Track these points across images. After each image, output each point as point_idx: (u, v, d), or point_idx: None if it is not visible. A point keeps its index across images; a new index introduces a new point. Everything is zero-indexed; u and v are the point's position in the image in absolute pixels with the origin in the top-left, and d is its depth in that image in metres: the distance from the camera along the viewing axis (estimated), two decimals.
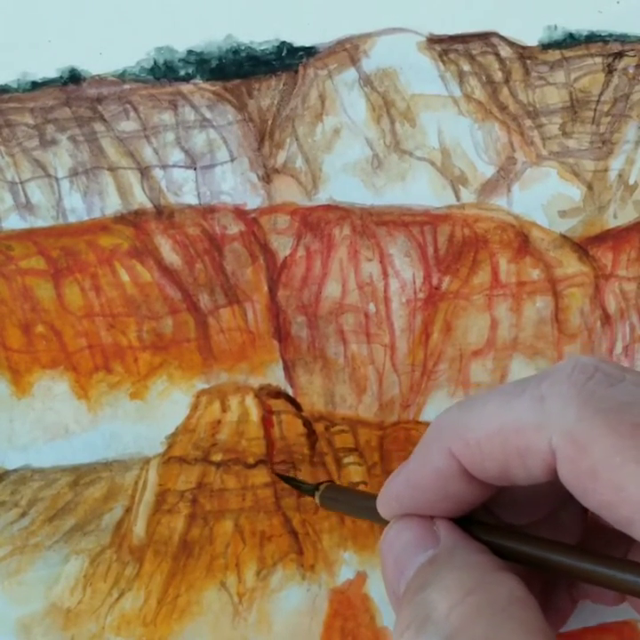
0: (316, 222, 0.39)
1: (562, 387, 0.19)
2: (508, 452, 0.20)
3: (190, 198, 0.39)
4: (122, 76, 0.39)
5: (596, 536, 0.24)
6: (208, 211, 0.39)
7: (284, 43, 0.38)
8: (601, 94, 0.39)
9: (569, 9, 0.38)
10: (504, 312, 0.39)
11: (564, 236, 0.39)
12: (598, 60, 0.38)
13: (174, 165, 0.39)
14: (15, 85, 0.39)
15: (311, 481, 0.38)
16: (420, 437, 0.39)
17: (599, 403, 0.19)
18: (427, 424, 0.39)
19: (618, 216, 0.39)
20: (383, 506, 0.23)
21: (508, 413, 0.20)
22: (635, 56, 0.38)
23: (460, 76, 0.39)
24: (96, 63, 0.38)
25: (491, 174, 0.39)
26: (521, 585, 0.19)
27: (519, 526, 0.24)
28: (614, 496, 0.18)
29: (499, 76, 0.39)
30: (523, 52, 0.38)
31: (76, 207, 0.39)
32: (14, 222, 0.39)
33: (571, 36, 0.38)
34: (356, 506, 0.33)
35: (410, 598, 0.20)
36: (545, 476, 0.20)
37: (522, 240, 0.39)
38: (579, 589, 0.26)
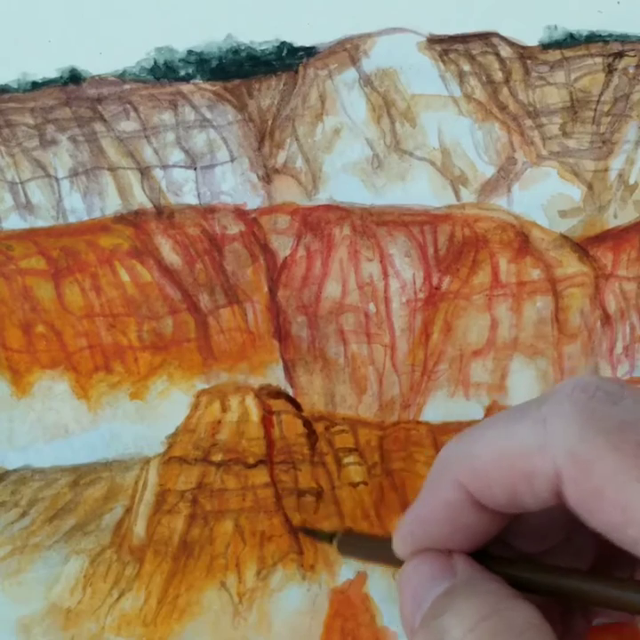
0: (316, 222, 0.39)
1: (563, 407, 0.19)
2: (515, 477, 0.20)
3: (190, 198, 0.39)
4: (122, 76, 0.39)
5: (607, 557, 0.24)
6: (208, 211, 0.39)
7: (284, 43, 0.38)
8: (601, 94, 0.39)
9: (569, 9, 0.38)
10: (504, 312, 0.39)
11: (564, 236, 0.39)
12: (598, 59, 0.38)
13: (174, 165, 0.39)
14: (15, 85, 0.39)
15: (312, 482, 0.38)
16: (420, 437, 0.39)
17: (601, 422, 0.19)
18: (427, 424, 0.39)
19: (618, 216, 0.39)
20: (399, 545, 0.23)
21: (511, 438, 0.20)
22: (635, 56, 0.38)
23: (461, 76, 0.39)
24: (96, 63, 0.38)
25: (491, 174, 0.39)
26: (537, 612, 0.19)
27: (535, 554, 0.24)
28: (619, 516, 0.18)
29: (499, 75, 0.39)
30: (523, 52, 0.38)
31: (76, 207, 0.39)
32: (14, 222, 0.39)
33: (571, 35, 0.38)
34: (374, 551, 0.32)
35: (425, 624, 0.20)
36: (553, 499, 0.20)
37: (522, 240, 0.39)
38: (593, 611, 0.26)
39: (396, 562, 0.28)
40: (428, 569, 0.22)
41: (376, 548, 0.32)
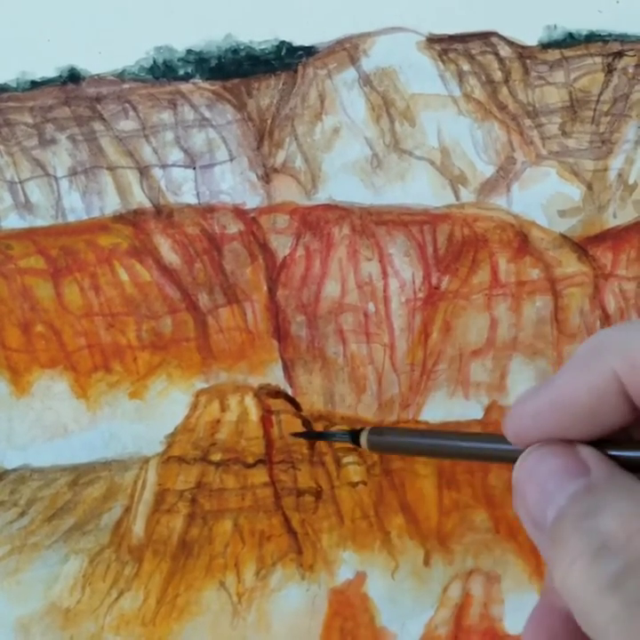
0: (315, 222, 0.39)
1: None
2: None
3: (189, 198, 0.39)
4: (121, 76, 0.38)
5: None
6: (207, 210, 0.39)
7: (283, 42, 0.38)
8: (600, 94, 0.39)
9: (569, 8, 0.38)
10: (503, 312, 0.39)
11: (563, 236, 0.39)
12: (598, 59, 0.38)
13: (173, 165, 0.39)
14: (14, 84, 0.39)
15: (311, 482, 0.38)
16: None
17: None
18: (426, 424, 0.39)
19: (617, 216, 0.39)
20: (514, 425, 0.22)
21: None
22: (634, 56, 0.38)
23: (460, 76, 0.39)
24: (95, 62, 0.38)
25: (490, 174, 0.39)
26: None
27: None
28: None
29: (498, 75, 0.39)
30: (522, 52, 0.38)
31: (76, 206, 0.39)
32: (13, 221, 0.39)
33: (570, 35, 0.38)
34: (410, 443, 0.31)
35: (575, 525, 0.19)
36: None
37: (521, 240, 0.39)
38: None
39: (434, 454, 0.28)
40: (558, 462, 0.21)
41: (412, 439, 0.31)
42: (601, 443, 0.22)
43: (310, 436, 0.38)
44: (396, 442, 0.32)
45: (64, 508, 0.39)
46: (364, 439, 0.31)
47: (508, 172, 0.39)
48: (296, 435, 0.38)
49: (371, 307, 0.39)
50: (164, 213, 0.39)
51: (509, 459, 0.22)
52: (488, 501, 0.39)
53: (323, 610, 0.39)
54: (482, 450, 0.25)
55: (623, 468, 0.21)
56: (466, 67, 0.39)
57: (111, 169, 0.39)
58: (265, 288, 0.39)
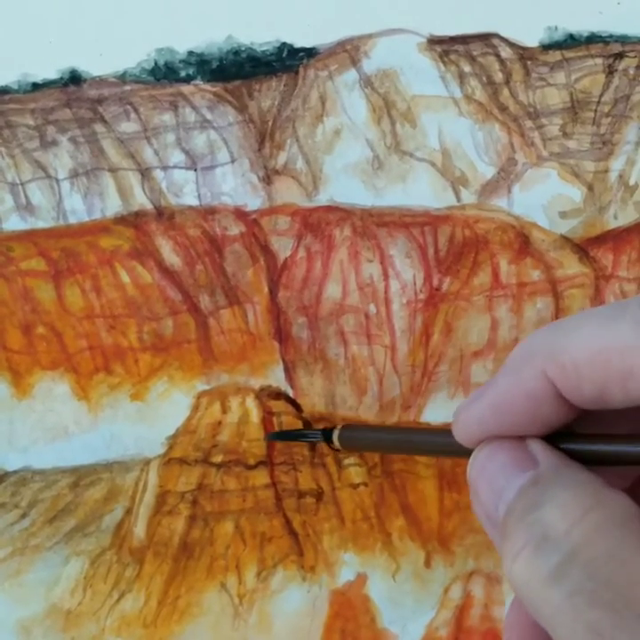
0: (316, 223, 0.39)
1: None
2: (609, 376, 0.20)
3: (191, 199, 0.39)
4: (122, 77, 0.39)
5: None
6: (208, 212, 0.39)
7: (284, 44, 0.38)
8: (601, 95, 0.39)
9: (569, 10, 0.38)
10: (504, 313, 0.39)
11: (564, 237, 0.39)
12: (599, 60, 0.38)
13: (175, 166, 0.39)
14: (16, 86, 0.39)
15: (312, 483, 0.38)
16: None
17: None
18: (427, 425, 0.39)
19: (618, 217, 0.39)
20: (463, 430, 0.23)
21: (609, 335, 0.20)
22: (635, 57, 0.38)
23: (461, 77, 0.39)
24: (96, 64, 0.38)
25: (491, 175, 0.39)
26: (631, 502, 0.19)
27: None
28: None
29: (499, 76, 0.39)
30: (523, 53, 0.38)
31: (77, 208, 0.39)
32: (15, 223, 0.39)
33: (571, 36, 0.38)
34: (379, 440, 0.32)
35: (520, 518, 0.20)
36: None
37: (522, 241, 0.39)
38: None
39: (402, 450, 0.28)
40: (506, 456, 0.21)
41: (380, 437, 0.32)
42: (555, 436, 0.22)
43: (283, 436, 0.38)
44: (366, 438, 0.32)
45: (65, 509, 0.39)
46: (335, 437, 0.32)
47: (509, 174, 0.39)
48: (270, 437, 0.38)
49: (372, 308, 0.39)
50: (165, 215, 0.39)
51: (469, 453, 0.23)
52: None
53: (324, 611, 0.39)
54: (446, 445, 0.25)
55: (574, 460, 0.21)
56: (467, 68, 0.39)
57: (112, 171, 0.39)
58: (266, 290, 0.39)
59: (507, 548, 0.19)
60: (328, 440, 0.33)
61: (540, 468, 0.21)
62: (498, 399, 0.22)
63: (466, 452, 0.23)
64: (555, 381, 0.21)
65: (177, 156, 0.39)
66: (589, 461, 0.21)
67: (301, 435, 0.37)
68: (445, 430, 0.25)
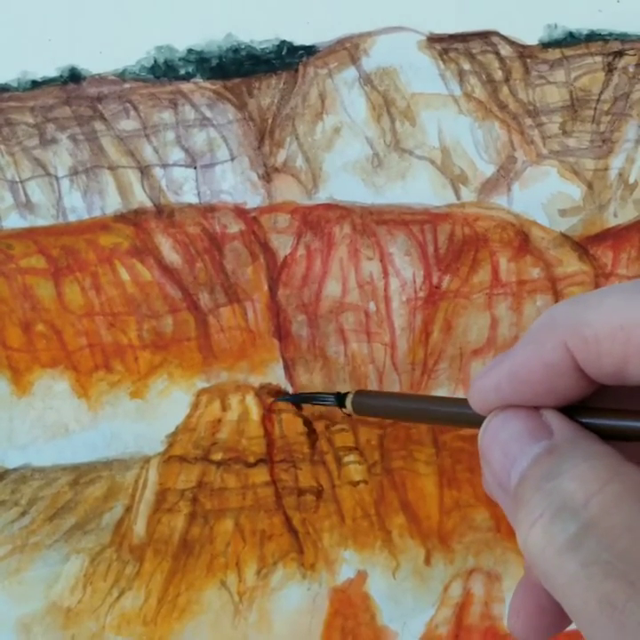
0: (316, 221, 0.39)
1: None
2: (629, 349, 0.20)
3: (190, 197, 0.39)
4: (122, 75, 0.39)
5: None
6: (208, 209, 0.39)
7: (284, 41, 0.38)
8: (601, 93, 0.39)
9: (569, 8, 0.38)
10: (504, 311, 0.39)
11: (564, 235, 0.39)
12: (598, 58, 0.38)
13: (174, 164, 0.39)
14: (15, 84, 0.39)
15: (312, 481, 0.38)
16: (420, 436, 0.39)
17: None
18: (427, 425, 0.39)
19: (618, 215, 0.39)
20: (479, 397, 0.23)
21: (632, 310, 0.20)
22: (635, 55, 0.38)
23: (461, 75, 0.39)
24: (96, 62, 0.38)
25: (491, 173, 0.39)
26: None
27: None
28: None
29: (499, 74, 0.39)
30: (523, 51, 0.38)
31: (77, 206, 0.39)
32: (14, 221, 0.39)
33: (571, 34, 0.38)
34: (392, 407, 0.32)
35: (536, 486, 0.20)
36: None
37: (522, 239, 0.39)
38: None
39: (413, 417, 0.28)
40: (521, 425, 0.21)
41: (395, 404, 0.32)
42: (570, 409, 0.22)
43: (295, 398, 0.38)
44: (379, 404, 0.32)
45: (65, 507, 0.39)
46: (349, 401, 0.32)
47: (509, 172, 0.39)
48: (281, 399, 0.38)
49: (371, 306, 0.39)
50: (164, 213, 0.39)
51: (480, 422, 0.23)
52: (489, 500, 0.39)
53: (324, 609, 0.39)
54: (461, 414, 0.25)
55: (589, 432, 0.21)
56: (466, 66, 0.39)
57: (112, 168, 0.39)
58: (266, 287, 0.39)
59: (522, 515, 0.19)
60: (341, 405, 0.33)
61: (555, 437, 0.21)
62: (516, 367, 0.21)
63: (479, 422, 0.23)
64: (575, 354, 0.21)
65: (176, 154, 0.39)
66: (604, 436, 0.21)
67: (313, 398, 0.37)
68: (460, 400, 0.25)
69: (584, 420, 0.22)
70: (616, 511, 0.18)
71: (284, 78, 0.38)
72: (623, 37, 0.38)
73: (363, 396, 0.33)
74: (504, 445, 0.21)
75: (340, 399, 0.33)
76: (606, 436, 0.21)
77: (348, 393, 0.33)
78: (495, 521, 0.39)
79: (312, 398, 0.37)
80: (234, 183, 0.39)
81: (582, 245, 0.39)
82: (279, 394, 0.39)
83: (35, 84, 0.39)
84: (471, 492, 0.39)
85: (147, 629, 0.38)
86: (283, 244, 0.39)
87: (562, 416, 0.21)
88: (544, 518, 0.19)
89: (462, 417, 0.25)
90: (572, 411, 0.22)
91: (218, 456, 0.39)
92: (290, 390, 0.39)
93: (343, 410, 0.33)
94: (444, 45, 0.38)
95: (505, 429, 0.22)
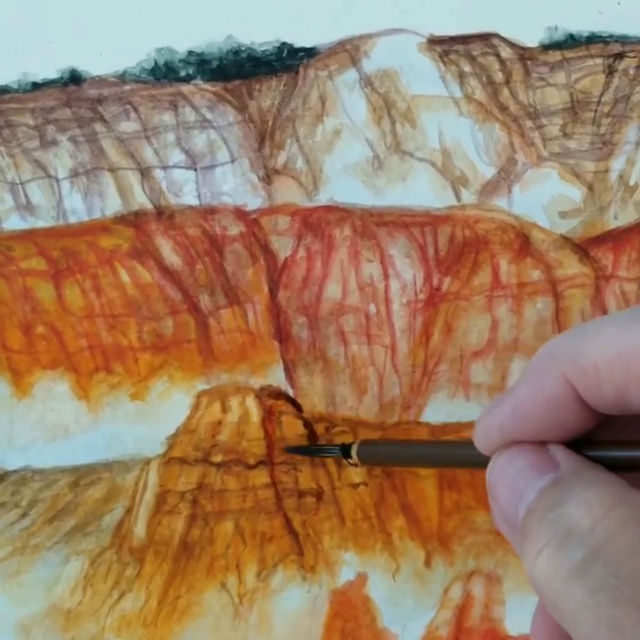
0: (316, 223, 0.39)
1: None
2: (629, 377, 0.20)
3: (191, 199, 0.39)
4: (122, 77, 0.38)
5: None
6: (208, 211, 0.39)
7: (284, 43, 0.38)
8: (601, 95, 0.39)
9: (570, 10, 0.38)
10: (504, 313, 0.39)
11: (564, 237, 0.39)
12: (599, 61, 0.38)
13: (175, 166, 0.39)
14: (16, 86, 0.39)
15: (312, 483, 0.38)
16: (420, 437, 0.39)
17: None
18: (427, 425, 0.39)
19: (618, 217, 0.39)
20: (483, 437, 0.23)
21: (629, 337, 0.20)
22: (635, 57, 0.38)
23: (461, 77, 0.39)
24: (96, 64, 0.38)
25: (491, 175, 0.39)
26: None
27: None
28: None
29: (499, 76, 0.39)
30: (523, 53, 0.38)
31: (77, 208, 0.39)
32: (15, 223, 0.39)
33: (571, 36, 0.38)
34: (397, 454, 0.32)
35: (541, 516, 0.20)
36: None
37: (522, 241, 0.39)
38: None
39: (418, 462, 0.29)
40: (527, 460, 0.21)
41: (401, 451, 0.32)
42: (576, 443, 0.22)
43: (302, 450, 0.38)
44: (384, 452, 0.33)
45: (65, 509, 0.39)
46: (354, 452, 0.33)
47: (509, 174, 0.39)
48: (288, 450, 0.38)
49: (372, 308, 0.39)
50: (165, 215, 0.39)
51: (488, 463, 0.23)
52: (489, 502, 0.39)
53: (324, 611, 0.39)
54: (467, 456, 0.25)
55: (595, 463, 0.21)
56: (467, 68, 0.39)
57: (112, 170, 0.39)
58: (266, 289, 0.39)
59: (528, 545, 0.19)
60: (346, 455, 0.34)
61: (560, 470, 0.21)
62: (518, 404, 0.22)
63: (486, 463, 0.23)
64: (575, 385, 0.21)
65: (177, 156, 0.39)
66: (611, 467, 0.21)
67: (320, 450, 0.37)
68: (465, 441, 0.25)
69: (590, 454, 0.21)
70: (622, 536, 0.18)
71: (285, 80, 0.38)
72: (624, 39, 0.38)
73: (368, 445, 0.33)
74: (511, 481, 0.21)
75: (345, 450, 0.34)
76: (613, 467, 0.21)
77: (352, 443, 0.33)
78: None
79: (318, 450, 0.37)
80: (234, 185, 0.39)
81: (583, 247, 0.39)
82: (279, 396, 0.39)
83: (35, 86, 0.39)
84: (471, 494, 0.39)
85: (147, 631, 0.38)
86: (283, 246, 0.39)
87: (567, 450, 0.21)
88: (550, 547, 0.19)
89: (469, 459, 0.25)
90: (577, 444, 0.22)
91: (218, 458, 0.39)
92: (290, 392, 0.39)
93: (349, 460, 0.34)
94: (445, 47, 0.38)
95: (511, 466, 0.22)
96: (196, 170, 0.39)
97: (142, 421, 0.39)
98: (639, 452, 0.21)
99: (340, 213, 0.39)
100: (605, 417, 0.22)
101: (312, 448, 0.38)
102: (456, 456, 0.27)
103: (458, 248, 0.39)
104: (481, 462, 0.23)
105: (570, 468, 0.21)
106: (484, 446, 0.23)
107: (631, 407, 0.20)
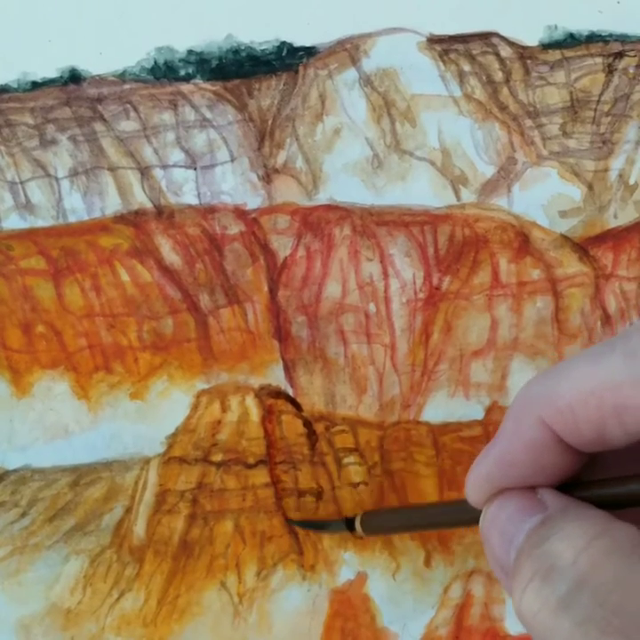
0: (316, 222, 0.39)
1: None
2: (604, 413, 0.20)
3: (190, 198, 0.39)
4: (122, 76, 0.38)
5: None
6: (208, 211, 0.39)
7: (284, 42, 0.38)
8: (601, 94, 0.39)
9: (569, 9, 0.38)
10: (504, 312, 0.39)
11: (564, 236, 0.39)
12: (599, 59, 0.38)
13: (174, 165, 0.39)
14: (15, 85, 0.39)
15: (312, 482, 0.38)
16: (420, 438, 0.39)
17: None
18: (427, 424, 0.39)
19: (618, 216, 0.39)
20: (473, 490, 0.23)
21: (600, 372, 0.20)
22: (635, 56, 0.38)
23: (461, 76, 0.39)
24: (96, 63, 0.38)
25: (491, 174, 0.39)
26: (638, 531, 0.19)
27: None
28: None
29: (499, 75, 0.39)
30: (523, 52, 0.38)
31: (77, 207, 0.39)
32: (14, 222, 0.39)
33: (571, 35, 0.38)
34: (399, 522, 0.34)
35: (528, 553, 0.20)
36: None
37: (522, 240, 0.39)
38: None
39: (423, 526, 0.29)
40: (516, 505, 0.21)
41: (399, 518, 0.33)
42: (566, 486, 0.22)
43: (306, 525, 0.38)
44: (387, 521, 0.34)
45: (65, 508, 0.39)
46: (357, 524, 0.34)
47: (509, 173, 0.39)
48: (291, 523, 0.39)
49: (372, 307, 0.39)
50: (164, 214, 0.39)
51: None
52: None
53: (324, 610, 0.39)
54: (465, 513, 0.25)
55: (583, 502, 0.21)
56: (466, 67, 0.39)
57: (112, 169, 0.39)
58: (266, 289, 0.39)
59: (515, 583, 0.20)
60: (351, 529, 0.35)
61: (548, 511, 0.21)
62: (502, 453, 0.22)
63: None
64: (553, 427, 0.21)
65: (176, 155, 0.39)
66: (601, 506, 0.21)
67: (324, 525, 0.38)
68: (462, 501, 0.25)
69: (580, 495, 0.22)
70: (606, 566, 0.18)
71: (285, 79, 0.38)
72: (623, 38, 0.38)
73: (371, 516, 0.34)
74: (502, 527, 0.22)
75: (349, 524, 0.35)
76: (603, 505, 0.21)
77: (354, 516, 0.34)
78: None
79: (322, 525, 0.38)
80: (234, 184, 0.39)
81: (582, 247, 0.39)
82: (279, 395, 0.39)
83: (35, 85, 0.39)
84: None
85: (146, 631, 0.38)
86: (283, 246, 0.39)
87: (556, 492, 0.22)
88: (534, 582, 0.19)
89: (471, 516, 0.25)
90: (566, 488, 0.22)
91: (218, 457, 0.39)
92: (290, 391, 0.39)
93: (354, 534, 0.35)
94: (444, 46, 0.38)
95: (501, 512, 0.22)
96: (195, 169, 0.39)
97: (142, 421, 0.39)
98: (623, 489, 0.21)
99: (340, 212, 0.39)
100: (594, 456, 0.22)
101: (316, 523, 0.38)
102: (457, 515, 0.28)
103: (457, 247, 0.39)
104: (477, 518, 0.23)
105: (557, 508, 0.21)
106: (476, 499, 0.23)
107: (611, 442, 0.20)
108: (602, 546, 0.18)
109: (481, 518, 0.23)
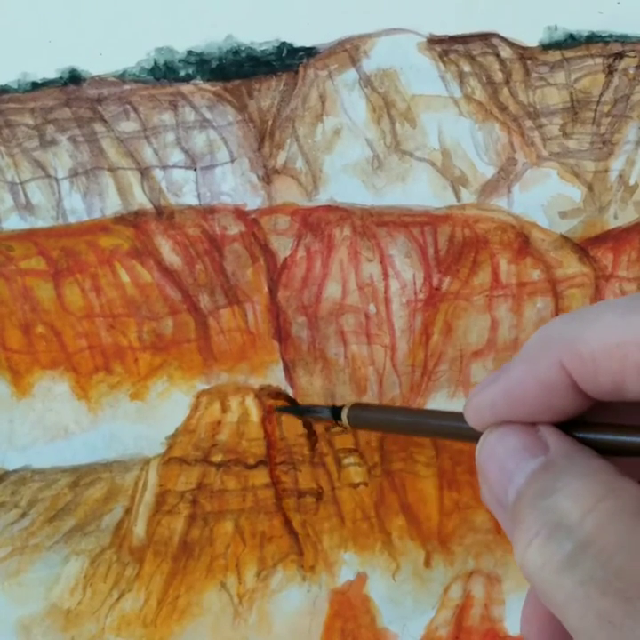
0: (316, 223, 0.39)
1: None
2: (626, 367, 0.20)
3: (190, 199, 0.39)
4: (122, 77, 0.38)
5: None
6: (208, 211, 0.39)
7: (284, 43, 0.38)
8: (601, 95, 0.39)
9: (569, 9, 0.38)
10: (504, 313, 0.39)
11: (564, 237, 0.39)
12: (599, 60, 0.38)
13: (174, 166, 0.39)
14: (15, 86, 0.38)
15: (312, 483, 0.38)
16: (420, 438, 0.39)
17: None
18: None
19: (618, 217, 0.39)
20: (474, 414, 0.23)
21: (628, 327, 0.19)
22: (635, 57, 0.38)
23: (461, 77, 0.39)
24: (96, 63, 0.38)
25: (491, 175, 0.39)
26: None
27: None
28: None
29: (499, 76, 0.39)
30: (523, 53, 0.38)
31: (77, 208, 0.39)
32: (14, 223, 0.39)
33: (571, 36, 0.38)
34: (388, 421, 0.32)
35: (532, 504, 0.20)
36: None
37: (522, 241, 0.39)
38: None
39: (409, 431, 0.29)
40: (517, 441, 0.21)
41: (391, 417, 0.32)
42: (567, 424, 0.22)
43: (292, 411, 0.39)
44: (375, 418, 0.33)
45: (65, 509, 0.39)
46: (344, 415, 0.33)
47: (509, 173, 0.39)
48: (278, 410, 0.38)
49: (372, 308, 0.39)
50: (164, 214, 0.39)
51: (477, 437, 0.23)
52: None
53: (324, 611, 0.39)
54: (457, 428, 0.25)
55: (586, 446, 0.21)
56: (466, 68, 0.39)
57: (112, 170, 0.39)
58: (266, 289, 0.39)
59: (519, 534, 0.20)
60: (337, 418, 0.34)
61: (550, 453, 0.21)
62: (511, 385, 0.22)
63: (475, 437, 0.23)
64: (571, 372, 0.21)
65: (176, 156, 0.39)
66: (602, 451, 0.21)
67: (310, 410, 0.37)
68: (456, 414, 0.25)
69: (581, 435, 0.22)
70: (611, 528, 0.18)
71: (285, 80, 0.38)
72: (623, 39, 0.38)
73: (358, 410, 0.33)
74: (501, 461, 0.21)
75: (335, 412, 0.34)
76: (603, 450, 0.21)
77: (343, 406, 0.33)
78: (495, 523, 0.39)
79: (307, 411, 0.37)
80: (234, 185, 0.39)
81: (582, 247, 0.39)
82: (279, 395, 0.39)
83: (35, 86, 0.39)
84: (471, 493, 0.39)
85: (146, 631, 0.38)
86: (283, 246, 0.39)
87: (558, 431, 0.21)
88: (540, 537, 0.19)
89: (459, 431, 0.25)
90: (568, 426, 0.22)
91: (218, 458, 0.39)
92: (290, 392, 0.39)
93: (339, 422, 0.34)
94: (444, 47, 0.38)
95: (501, 445, 0.22)
96: (195, 170, 0.39)
97: (142, 421, 0.39)
98: (630, 438, 0.21)
99: (340, 213, 0.39)
100: (597, 402, 0.22)
101: (302, 408, 0.38)
102: (446, 427, 0.27)
103: (457, 248, 0.39)
104: (471, 436, 0.23)
105: (560, 452, 0.21)
106: (475, 422, 0.23)
107: (626, 395, 0.20)
108: (608, 508, 0.18)
109: (478, 445, 0.23)
